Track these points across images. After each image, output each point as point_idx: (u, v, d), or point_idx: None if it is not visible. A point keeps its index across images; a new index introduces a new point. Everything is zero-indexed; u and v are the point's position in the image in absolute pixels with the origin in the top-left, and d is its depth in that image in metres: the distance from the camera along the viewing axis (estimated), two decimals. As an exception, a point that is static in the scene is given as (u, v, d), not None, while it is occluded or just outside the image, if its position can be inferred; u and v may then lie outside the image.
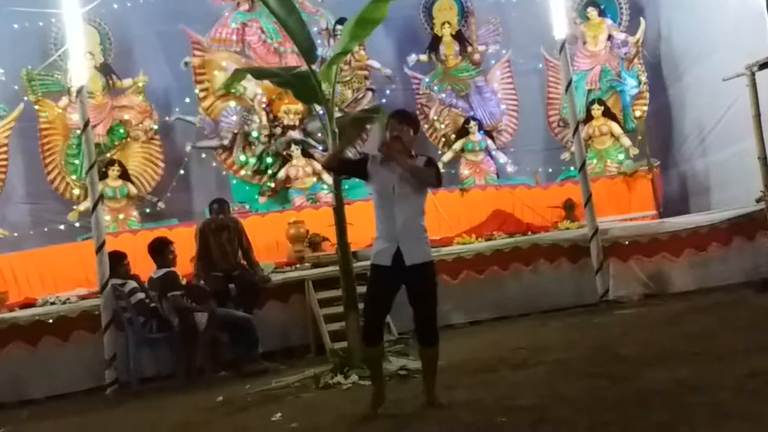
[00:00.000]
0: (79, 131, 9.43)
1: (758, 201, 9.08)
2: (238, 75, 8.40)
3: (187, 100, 11.86)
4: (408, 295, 5.05)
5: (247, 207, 11.06)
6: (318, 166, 11.35)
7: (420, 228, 4.93)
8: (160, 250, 7.80)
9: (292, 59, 11.01)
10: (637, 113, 12.59)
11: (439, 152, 12.45)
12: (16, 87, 10.96)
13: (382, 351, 5.15)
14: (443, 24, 12.67)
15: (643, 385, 4.73)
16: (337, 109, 9.01)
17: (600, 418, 4.07)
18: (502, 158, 12.50)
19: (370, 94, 12.04)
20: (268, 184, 11.48)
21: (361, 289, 7.68)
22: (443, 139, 12.56)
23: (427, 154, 5.47)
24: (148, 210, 11.45)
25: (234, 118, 11.60)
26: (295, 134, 11.47)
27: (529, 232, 9.91)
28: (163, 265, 7.71)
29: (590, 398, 4.61)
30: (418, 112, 12.52)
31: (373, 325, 4.94)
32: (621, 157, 12.30)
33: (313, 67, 7.13)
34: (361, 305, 5.61)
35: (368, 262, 8.71)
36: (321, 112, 7.22)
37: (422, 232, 4.95)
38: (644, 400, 4.35)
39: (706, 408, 3.98)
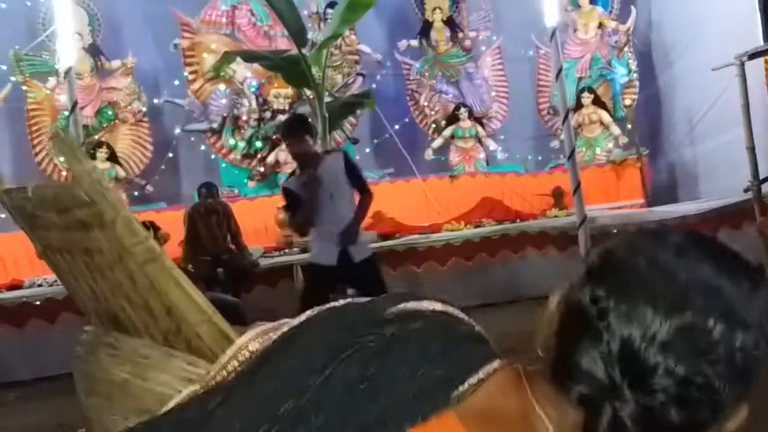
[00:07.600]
0: (67, 112, 9.35)
1: (746, 191, 9.10)
2: (227, 58, 8.37)
3: (176, 82, 11.78)
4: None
5: (236, 191, 11.03)
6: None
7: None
8: None
9: (283, 43, 10.94)
10: (627, 102, 12.59)
11: (429, 138, 12.45)
12: (3, 67, 10.85)
13: None
14: (434, 9, 12.59)
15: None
16: (327, 93, 8.97)
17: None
18: (491, 145, 12.50)
19: (360, 79, 11.99)
20: (258, 168, 11.45)
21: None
22: (433, 126, 12.53)
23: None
24: (136, 193, 11.41)
25: (223, 101, 11.54)
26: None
27: (518, 220, 9.94)
28: None
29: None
30: (408, 98, 12.51)
31: None
32: (610, 145, 12.32)
33: (304, 51, 7.12)
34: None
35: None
36: (311, 96, 7.19)
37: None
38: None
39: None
